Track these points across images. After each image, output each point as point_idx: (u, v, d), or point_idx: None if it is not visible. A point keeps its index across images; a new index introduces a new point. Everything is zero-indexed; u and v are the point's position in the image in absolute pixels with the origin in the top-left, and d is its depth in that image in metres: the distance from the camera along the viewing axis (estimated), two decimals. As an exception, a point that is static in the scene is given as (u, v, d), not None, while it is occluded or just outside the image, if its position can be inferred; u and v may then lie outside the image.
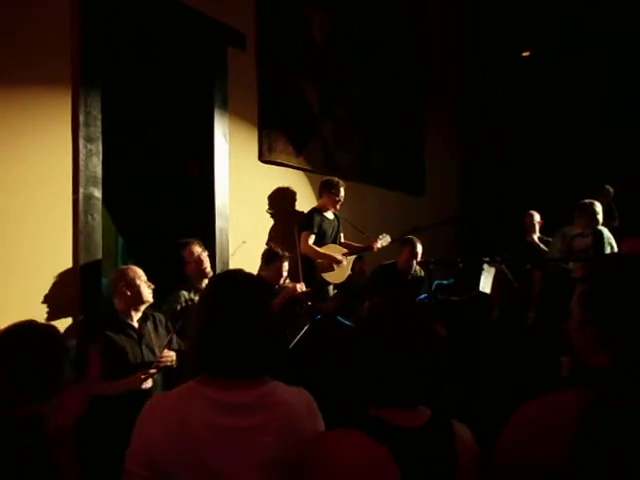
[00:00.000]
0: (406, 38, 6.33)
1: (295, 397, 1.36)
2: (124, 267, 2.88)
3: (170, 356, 2.63)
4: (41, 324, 1.60)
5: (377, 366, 1.16)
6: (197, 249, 3.39)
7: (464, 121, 7.51)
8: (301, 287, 3.70)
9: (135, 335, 2.68)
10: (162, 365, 2.57)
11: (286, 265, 3.73)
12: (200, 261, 3.35)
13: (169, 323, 2.89)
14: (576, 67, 6.92)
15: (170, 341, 2.78)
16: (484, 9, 7.42)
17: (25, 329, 1.57)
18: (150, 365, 2.56)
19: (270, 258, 3.74)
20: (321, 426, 1.37)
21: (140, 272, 2.79)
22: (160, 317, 2.90)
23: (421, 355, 1.14)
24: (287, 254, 3.76)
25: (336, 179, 4.49)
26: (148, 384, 2.53)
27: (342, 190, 4.45)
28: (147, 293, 2.75)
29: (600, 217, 4.45)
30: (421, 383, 1.16)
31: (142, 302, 2.75)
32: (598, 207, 4.48)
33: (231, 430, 1.27)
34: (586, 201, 4.52)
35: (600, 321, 1.05)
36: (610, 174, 5.98)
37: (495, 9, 7.36)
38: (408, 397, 1.17)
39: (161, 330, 2.83)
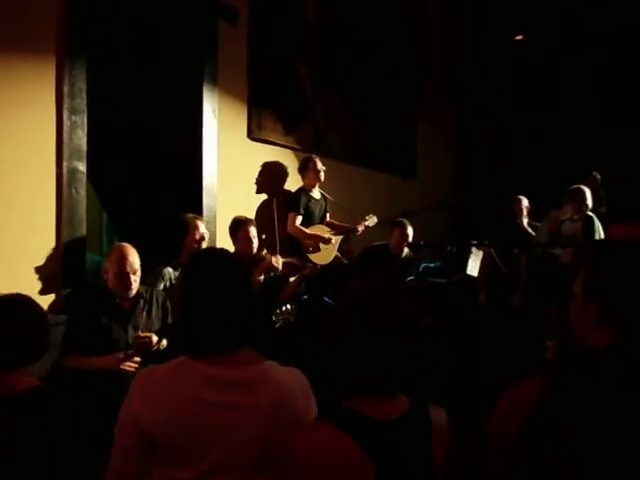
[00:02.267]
0: (402, 23, 6.24)
1: (288, 377, 1.35)
2: (114, 248, 2.66)
3: (148, 337, 2.53)
4: (17, 295, 1.61)
5: (353, 353, 1.12)
6: (202, 226, 3.32)
7: (458, 109, 7.47)
8: (277, 260, 3.53)
9: (123, 316, 2.58)
10: (140, 346, 2.49)
11: (252, 230, 3.55)
12: (201, 239, 3.29)
13: (167, 301, 2.79)
14: (576, 67, 6.90)
15: (164, 322, 2.74)
16: (483, 7, 7.35)
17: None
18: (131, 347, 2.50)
19: (234, 227, 3.59)
20: (313, 407, 1.36)
21: (128, 260, 2.57)
22: (158, 295, 2.78)
23: (401, 345, 1.11)
24: (249, 219, 3.61)
25: (313, 155, 4.46)
26: (130, 367, 2.43)
27: (318, 161, 4.41)
28: (128, 284, 2.57)
29: (589, 202, 4.47)
30: (399, 373, 1.13)
31: (124, 292, 2.59)
32: (587, 192, 4.50)
33: (221, 405, 1.26)
34: (575, 186, 4.53)
35: (602, 299, 1.07)
36: (604, 169, 6.00)
37: (495, 9, 7.29)
38: (384, 386, 1.14)
39: (155, 310, 2.72)
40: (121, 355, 2.44)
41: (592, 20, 6.69)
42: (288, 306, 3.45)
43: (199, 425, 1.25)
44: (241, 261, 1.59)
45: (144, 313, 2.67)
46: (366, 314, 1.12)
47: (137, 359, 2.46)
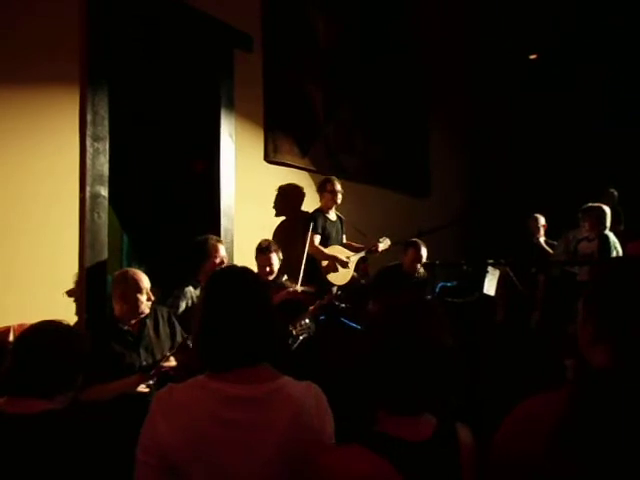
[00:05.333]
0: (411, 39, 6.32)
1: (304, 393, 1.36)
2: (126, 272, 2.71)
3: (169, 367, 2.54)
4: (65, 325, 1.65)
5: (386, 371, 1.12)
6: (222, 249, 3.38)
7: (470, 123, 7.49)
8: (295, 290, 3.59)
9: (133, 340, 2.61)
10: (161, 371, 2.50)
11: (273, 258, 3.59)
12: (222, 262, 3.32)
13: (173, 318, 2.84)
14: (582, 69, 6.89)
15: (172, 338, 2.77)
16: (491, 13, 7.40)
17: (49, 328, 1.60)
18: (149, 368, 2.52)
19: (256, 251, 3.69)
20: (330, 423, 1.36)
21: (142, 282, 2.63)
22: (163, 312, 2.82)
23: (430, 362, 1.11)
24: (272, 247, 3.64)
25: (331, 177, 4.53)
26: (145, 388, 2.46)
27: (337, 183, 4.48)
28: (144, 307, 2.62)
29: (607, 221, 4.37)
30: (429, 391, 1.13)
31: (137, 315, 2.63)
32: (605, 211, 4.43)
33: (239, 424, 1.27)
34: (592, 205, 4.47)
35: (599, 317, 1.07)
36: (617, 177, 5.94)
37: (501, 12, 7.34)
38: (414, 405, 1.14)
39: (162, 327, 2.76)
40: (140, 377, 2.46)
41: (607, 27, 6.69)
42: (307, 321, 3.50)
43: (218, 445, 1.26)
44: (261, 279, 1.62)
45: (153, 333, 2.69)
46: (399, 331, 1.13)
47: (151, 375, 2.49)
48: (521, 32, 7.24)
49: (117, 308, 2.64)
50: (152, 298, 2.66)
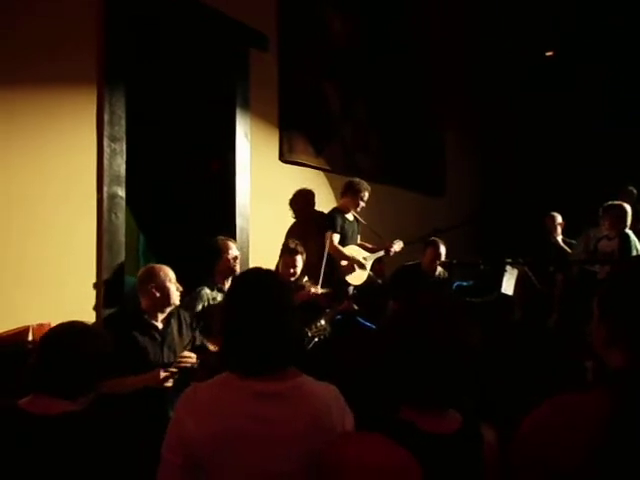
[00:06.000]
0: (413, 39, 6.25)
1: (323, 391, 1.38)
2: (154, 266, 2.75)
3: (191, 357, 2.57)
4: (89, 326, 1.71)
5: (414, 365, 1.11)
6: (234, 247, 3.40)
7: (478, 123, 7.42)
8: (315, 291, 3.62)
9: (158, 336, 2.63)
10: (182, 366, 2.53)
11: (298, 260, 3.61)
12: (235, 260, 3.35)
13: (194, 322, 2.86)
14: (582, 69, 6.82)
15: (192, 342, 2.78)
16: (491, 13, 7.35)
17: (75, 329, 1.62)
18: (168, 365, 2.53)
19: (283, 251, 3.72)
20: (350, 422, 1.37)
21: (170, 273, 2.70)
22: (185, 316, 2.84)
23: (461, 357, 1.10)
24: (299, 249, 3.66)
25: (364, 182, 4.48)
26: (168, 383, 2.48)
27: (367, 194, 4.45)
28: (175, 297, 2.68)
29: (628, 220, 4.32)
30: (455, 386, 1.12)
31: (169, 305, 2.68)
32: (626, 209, 4.36)
33: (263, 419, 1.29)
34: (613, 203, 4.42)
35: (613, 318, 1.05)
36: (634, 175, 5.86)
37: (501, 12, 7.28)
38: (440, 399, 1.13)
39: (185, 330, 2.78)
40: (162, 372, 2.47)
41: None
42: (322, 322, 3.49)
43: (243, 440, 1.28)
44: (284, 281, 1.63)
45: (176, 333, 2.72)
46: (425, 327, 1.12)
47: (175, 375, 2.50)
48: (521, 32, 7.18)
49: (145, 303, 2.65)
50: (180, 289, 2.71)
